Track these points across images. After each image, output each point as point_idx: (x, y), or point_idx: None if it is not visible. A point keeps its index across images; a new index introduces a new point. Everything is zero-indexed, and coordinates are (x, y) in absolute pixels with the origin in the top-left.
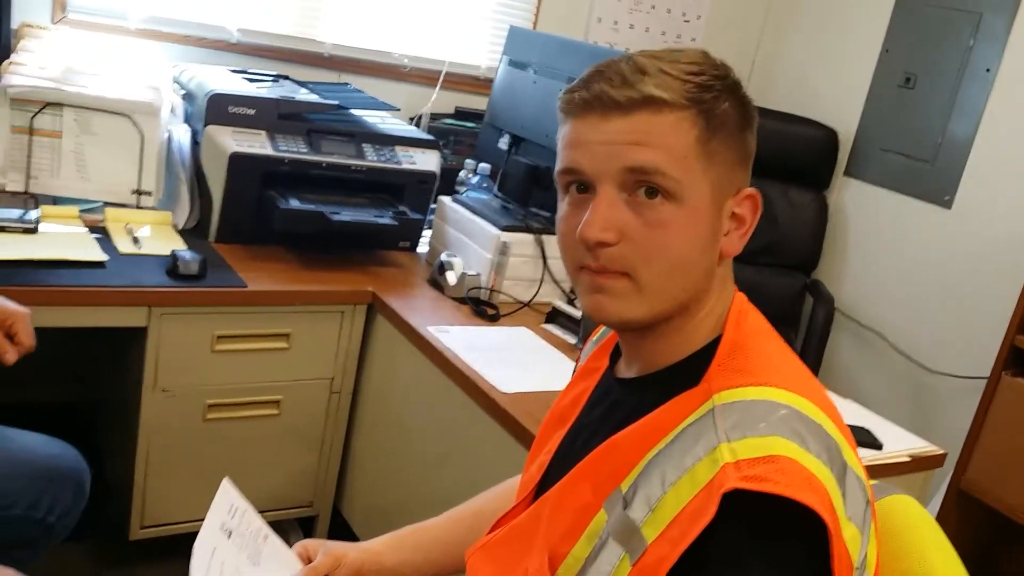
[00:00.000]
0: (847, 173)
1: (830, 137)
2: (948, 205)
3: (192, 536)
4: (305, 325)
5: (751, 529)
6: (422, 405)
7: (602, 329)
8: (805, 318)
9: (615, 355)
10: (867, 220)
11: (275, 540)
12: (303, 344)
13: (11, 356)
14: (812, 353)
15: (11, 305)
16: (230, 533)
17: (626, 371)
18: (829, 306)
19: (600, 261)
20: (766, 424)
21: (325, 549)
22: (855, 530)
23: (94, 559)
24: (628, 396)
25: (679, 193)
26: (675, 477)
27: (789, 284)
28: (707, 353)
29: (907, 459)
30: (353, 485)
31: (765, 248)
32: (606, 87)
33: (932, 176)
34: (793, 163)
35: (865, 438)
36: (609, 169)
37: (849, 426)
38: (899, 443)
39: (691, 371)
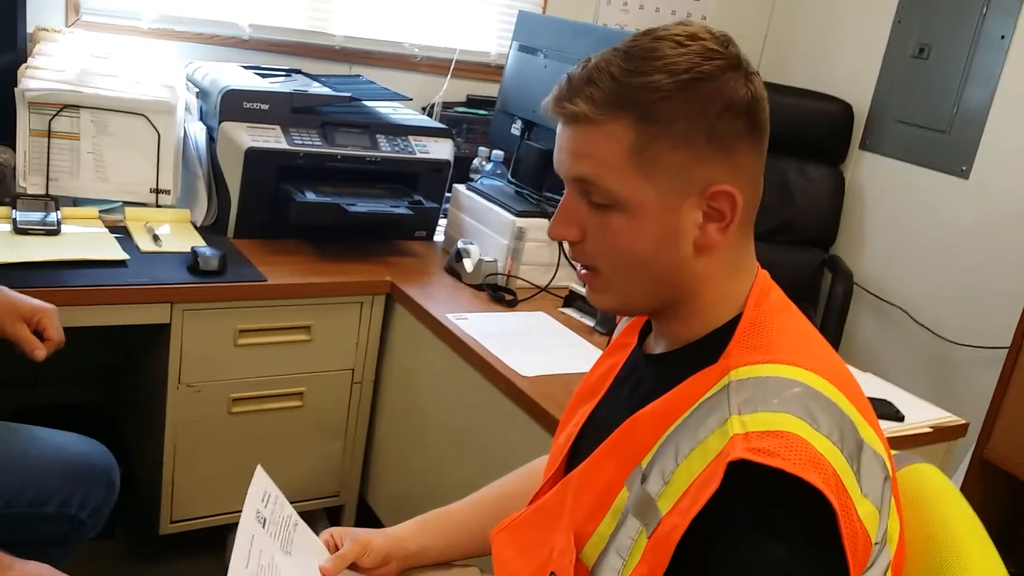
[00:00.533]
0: (863, 147)
1: (845, 111)
2: (965, 175)
3: (221, 529)
4: (325, 317)
5: (759, 504)
6: (443, 392)
7: None
8: (824, 294)
9: (646, 331)
10: (884, 193)
11: (304, 528)
12: (324, 336)
13: (41, 352)
14: (832, 328)
15: (38, 302)
16: (264, 521)
17: (654, 347)
18: (848, 281)
19: (573, 255)
20: (779, 400)
21: (352, 536)
22: (872, 507)
23: (126, 555)
24: (652, 372)
25: (619, 202)
26: (688, 449)
27: (807, 260)
28: (727, 331)
29: (929, 430)
30: (378, 473)
31: (782, 225)
32: (558, 97)
33: (948, 146)
34: (808, 138)
35: (886, 410)
36: (566, 175)
37: (870, 399)
38: (921, 414)
39: (711, 348)
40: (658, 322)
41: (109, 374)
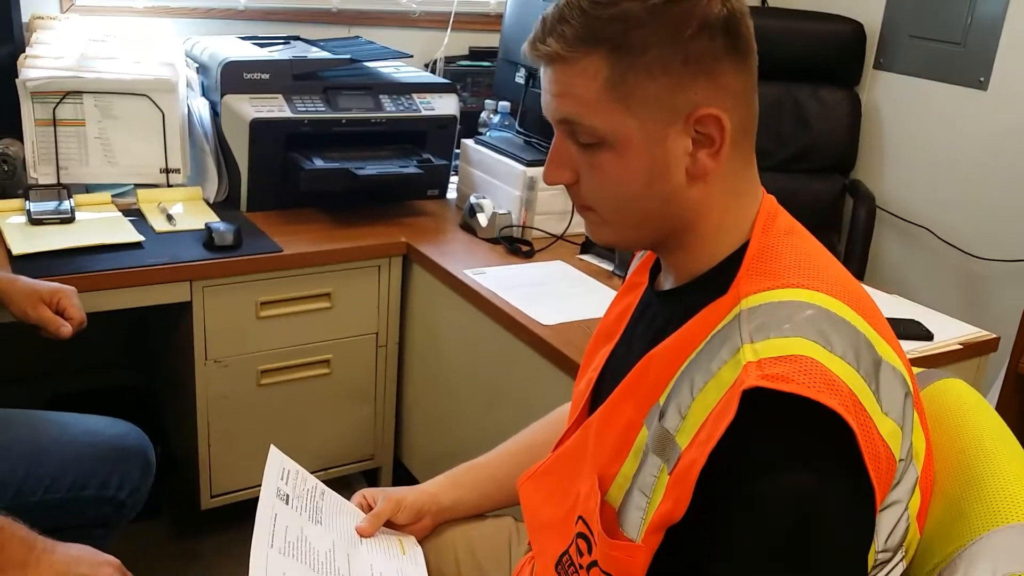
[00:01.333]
0: (877, 66)
1: (856, 30)
2: (983, 86)
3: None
4: (344, 283)
5: (777, 430)
6: (467, 348)
7: None
8: (847, 220)
9: (657, 269)
10: (902, 112)
11: (332, 495)
12: (345, 301)
13: (67, 329)
14: (857, 254)
15: (56, 284)
16: (287, 498)
17: (664, 283)
18: (870, 204)
19: (571, 197)
20: (791, 325)
21: (384, 495)
22: (893, 424)
23: (171, 532)
24: (663, 309)
25: (603, 137)
26: (702, 383)
27: (828, 187)
28: (735, 260)
29: (959, 347)
30: (410, 433)
31: (800, 153)
32: (532, 39)
33: (964, 58)
34: (820, 62)
35: (915, 330)
36: (552, 118)
37: (898, 319)
38: (950, 332)
39: (720, 279)
40: (664, 256)
41: (140, 356)
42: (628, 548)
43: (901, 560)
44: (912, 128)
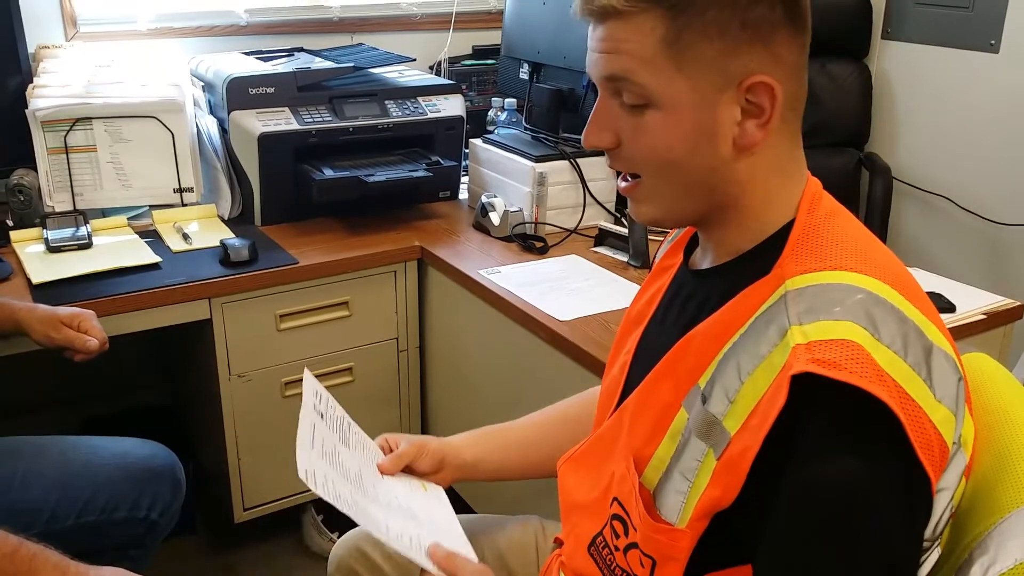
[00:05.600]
0: (885, 36)
1: (862, 1)
2: (995, 49)
3: (293, 510)
4: (361, 290)
5: (827, 417)
6: (487, 347)
7: (678, 229)
8: (864, 194)
9: (690, 250)
10: (913, 81)
11: (357, 429)
12: (363, 309)
13: (93, 343)
14: (876, 228)
15: (74, 308)
16: (322, 415)
17: (700, 262)
18: (887, 177)
19: (612, 163)
20: (841, 308)
21: (408, 440)
22: (947, 411)
23: (207, 548)
24: (700, 287)
25: (652, 97)
26: (751, 366)
27: (842, 162)
28: (779, 239)
29: (982, 317)
30: (437, 434)
31: (811, 129)
32: None
33: (973, 22)
34: (827, 34)
35: (937, 303)
36: (598, 76)
37: None
38: (973, 302)
39: (763, 259)
40: (705, 232)
41: (166, 375)
42: (672, 532)
43: (937, 546)
44: (925, 96)
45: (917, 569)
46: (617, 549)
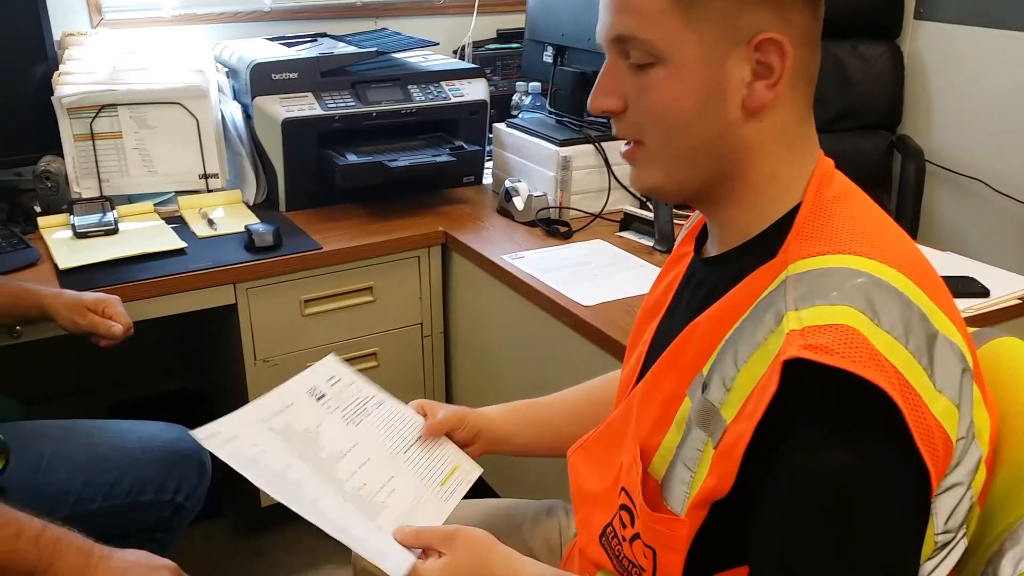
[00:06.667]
0: (917, 16)
1: None
2: None
3: None
4: (385, 275)
5: (818, 405)
6: (511, 333)
7: (695, 214)
8: (897, 177)
9: (702, 240)
10: (946, 61)
11: (392, 404)
12: (387, 294)
13: (117, 328)
14: (908, 212)
15: (99, 294)
16: (321, 396)
17: (710, 250)
18: (919, 160)
19: (616, 130)
20: (838, 293)
21: (448, 409)
22: (947, 402)
23: (232, 532)
24: (709, 275)
25: (659, 54)
26: (747, 353)
27: (874, 145)
28: (786, 224)
29: (1017, 301)
30: None
31: (843, 112)
32: None
33: (1008, 1)
34: (858, 15)
35: (969, 287)
36: (606, 38)
37: (952, 277)
38: (1007, 287)
39: (768, 244)
40: (712, 214)
41: (192, 361)
42: (671, 522)
43: (963, 537)
44: (958, 77)
45: (917, 561)
46: (624, 540)
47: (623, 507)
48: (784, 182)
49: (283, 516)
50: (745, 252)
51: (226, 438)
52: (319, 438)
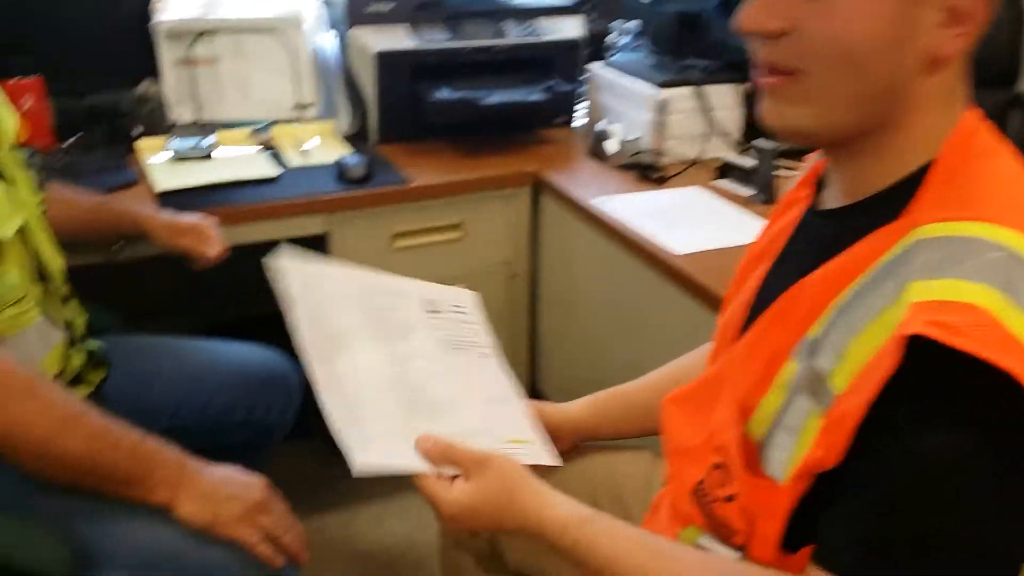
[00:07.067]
0: None
1: None
2: None
3: None
4: (474, 214)
5: (938, 389)
6: (600, 277)
7: (811, 159)
8: (1016, 137)
9: (820, 185)
10: None
11: (495, 363)
12: (475, 232)
13: (213, 251)
14: None
15: (195, 216)
16: (435, 312)
17: (828, 202)
18: None
19: (765, 56)
20: (972, 266)
21: (532, 402)
22: None
23: (317, 453)
24: (825, 230)
25: None
26: (864, 322)
27: (990, 102)
28: (917, 181)
29: None
30: (547, 362)
31: None
32: None
33: None
34: None
35: None
36: None
37: None
38: None
39: (896, 201)
40: (840, 164)
41: None
42: (771, 489)
43: None
44: None
45: (1019, 563)
46: (718, 499)
47: (717, 465)
48: (928, 135)
49: None
50: (870, 208)
51: (309, 275)
52: (405, 336)
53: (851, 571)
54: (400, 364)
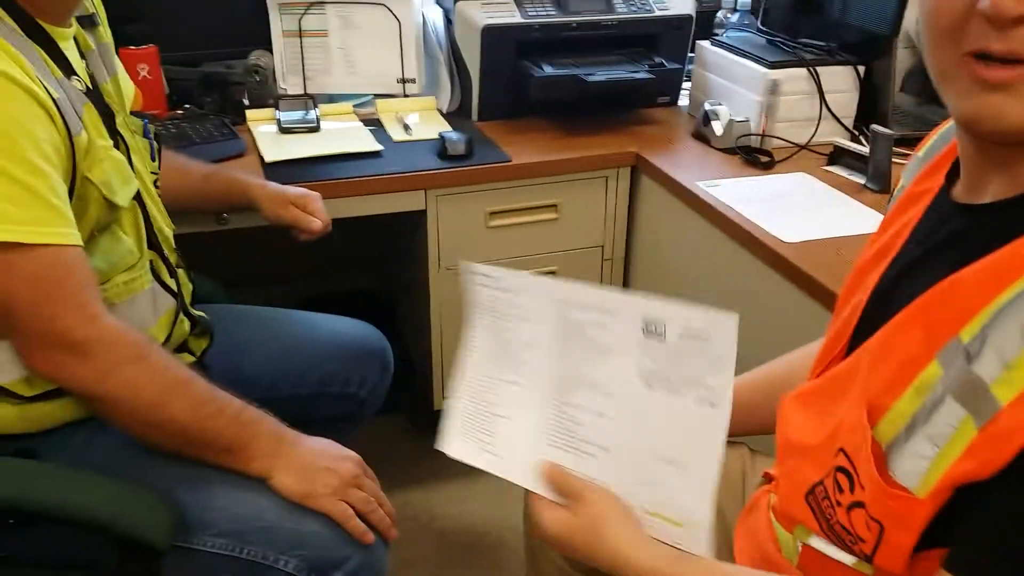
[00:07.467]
0: None
1: None
2: None
3: None
4: (571, 194)
5: None
6: (699, 265)
7: (926, 145)
8: None
9: (951, 175)
10: None
11: (713, 416)
12: (571, 213)
13: (317, 224)
14: None
15: (302, 189)
16: (657, 335)
17: (972, 195)
18: None
19: (1010, 43)
20: None
21: None
22: None
23: (407, 428)
24: (979, 225)
25: None
26: None
27: None
28: None
29: None
30: None
31: None
32: None
33: None
34: None
35: None
36: None
37: None
38: None
39: None
40: (1006, 155)
41: (382, 262)
42: (909, 501)
43: None
44: None
45: None
46: (839, 504)
47: (840, 469)
48: None
49: None
50: None
51: (496, 284)
52: (596, 359)
53: None
54: (566, 392)
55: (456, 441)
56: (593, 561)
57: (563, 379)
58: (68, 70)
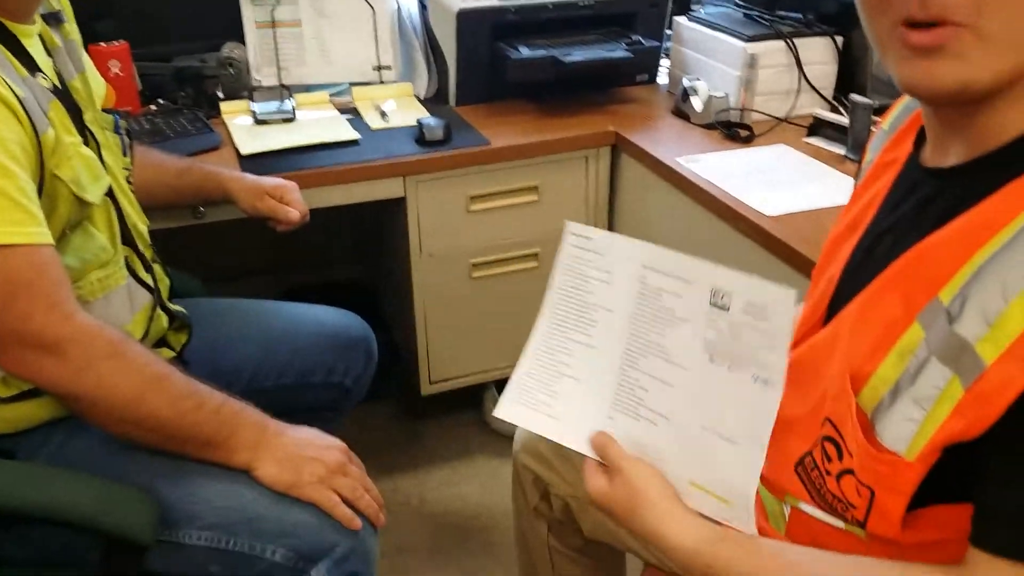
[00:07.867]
0: None
1: None
2: None
3: (477, 388)
4: (552, 175)
5: None
6: (681, 240)
7: (890, 117)
8: None
9: (918, 142)
10: None
11: (766, 393)
12: (552, 194)
13: (294, 215)
14: None
15: (278, 179)
16: (722, 307)
17: (938, 159)
18: None
19: (932, 11)
20: None
21: None
22: None
23: (394, 415)
24: (947, 188)
25: None
26: (1021, 286)
27: None
28: None
29: None
30: None
31: None
32: None
33: None
34: None
35: None
36: None
37: None
38: None
39: None
40: (972, 116)
41: (364, 251)
42: (897, 464)
43: None
44: None
45: None
46: (828, 474)
47: (827, 438)
48: None
49: (443, 406)
50: (1005, 159)
51: (588, 245)
52: (666, 327)
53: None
54: (636, 357)
55: (510, 404)
56: (632, 529)
57: (634, 344)
58: (33, 67)
